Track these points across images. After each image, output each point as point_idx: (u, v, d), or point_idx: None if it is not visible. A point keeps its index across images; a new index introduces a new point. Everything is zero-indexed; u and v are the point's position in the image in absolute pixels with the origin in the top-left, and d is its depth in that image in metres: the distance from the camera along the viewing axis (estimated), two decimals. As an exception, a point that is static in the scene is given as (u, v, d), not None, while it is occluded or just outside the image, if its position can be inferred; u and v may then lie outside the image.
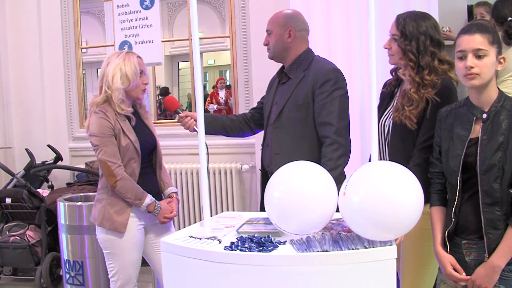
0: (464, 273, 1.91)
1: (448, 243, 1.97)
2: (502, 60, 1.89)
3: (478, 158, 1.86)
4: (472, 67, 1.84)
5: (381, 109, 2.37)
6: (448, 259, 1.95)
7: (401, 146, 2.24)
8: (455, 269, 1.93)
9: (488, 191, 1.84)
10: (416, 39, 2.20)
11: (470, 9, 3.98)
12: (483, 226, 1.86)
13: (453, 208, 1.94)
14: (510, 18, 3.30)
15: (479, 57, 1.85)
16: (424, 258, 2.16)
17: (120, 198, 2.54)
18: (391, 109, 2.30)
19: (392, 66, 2.40)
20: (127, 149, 2.53)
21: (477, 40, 1.85)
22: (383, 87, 2.44)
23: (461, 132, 1.94)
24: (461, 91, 2.23)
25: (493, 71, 1.87)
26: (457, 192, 1.93)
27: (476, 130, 1.90)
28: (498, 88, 1.92)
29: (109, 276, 2.63)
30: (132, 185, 2.52)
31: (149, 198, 2.54)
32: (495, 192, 1.84)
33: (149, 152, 2.67)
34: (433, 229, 2.03)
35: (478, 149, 1.86)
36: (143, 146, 2.59)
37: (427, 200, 1.94)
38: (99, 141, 2.50)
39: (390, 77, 2.43)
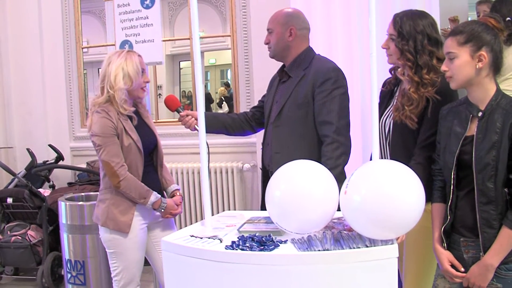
0: (462, 269, 1.92)
1: (445, 239, 1.97)
2: (482, 58, 1.86)
3: (473, 156, 1.86)
4: (446, 71, 1.92)
5: (381, 108, 2.36)
6: (446, 255, 1.96)
7: (402, 145, 2.23)
8: (453, 266, 1.93)
9: (483, 190, 1.84)
10: (413, 38, 2.19)
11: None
12: (478, 225, 1.86)
13: (448, 205, 1.95)
14: (508, 18, 3.28)
15: (451, 60, 1.90)
16: (427, 256, 2.15)
17: (124, 197, 2.53)
18: (391, 108, 2.29)
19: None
20: (129, 148, 2.53)
21: (447, 44, 1.92)
22: (383, 86, 2.43)
23: (458, 129, 1.94)
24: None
25: (467, 70, 1.87)
26: (452, 189, 1.93)
27: (472, 128, 1.91)
28: (497, 86, 1.91)
29: (112, 276, 2.62)
30: (136, 184, 2.52)
31: (154, 196, 2.54)
32: (490, 191, 1.83)
33: (150, 151, 2.67)
34: (433, 226, 2.03)
35: (474, 147, 1.87)
36: (144, 145, 2.58)
37: (429, 198, 1.94)
38: (101, 141, 2.49)
39: (391, 76, 2.42)
